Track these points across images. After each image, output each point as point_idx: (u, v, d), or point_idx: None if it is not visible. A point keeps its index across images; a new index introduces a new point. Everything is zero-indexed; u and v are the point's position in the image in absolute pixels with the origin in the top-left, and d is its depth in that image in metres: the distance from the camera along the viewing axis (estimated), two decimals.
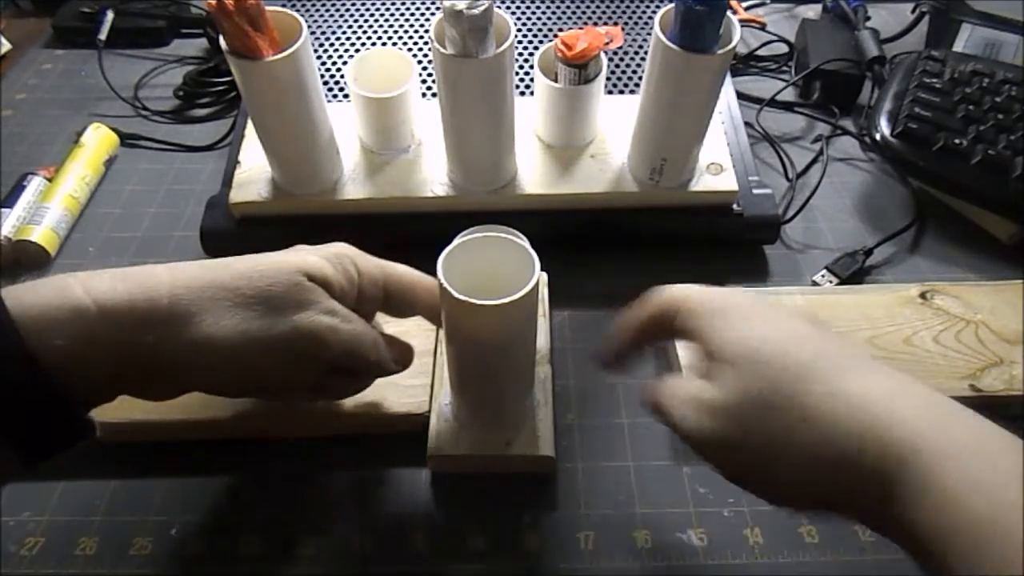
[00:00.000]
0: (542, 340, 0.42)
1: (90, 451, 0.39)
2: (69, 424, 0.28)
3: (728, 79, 0.57)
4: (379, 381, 0.40)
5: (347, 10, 0.61)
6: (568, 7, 0.61)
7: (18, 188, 0.52)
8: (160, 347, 0.28)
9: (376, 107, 0.46)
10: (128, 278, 0.29)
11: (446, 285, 0.29)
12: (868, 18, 0.66)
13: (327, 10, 0.60)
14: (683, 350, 0.41)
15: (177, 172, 0.57)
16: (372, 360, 0.34)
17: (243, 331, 0.29)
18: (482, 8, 0.35)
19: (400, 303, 0.36)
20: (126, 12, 0.69)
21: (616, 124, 0.50)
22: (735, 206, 0.48)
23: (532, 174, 0.48)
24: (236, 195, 0.47)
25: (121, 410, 0.39)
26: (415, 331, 0.43)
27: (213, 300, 0.29)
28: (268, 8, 0.38)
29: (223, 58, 0.45)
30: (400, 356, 0.37)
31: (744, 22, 0.68)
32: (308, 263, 0.32)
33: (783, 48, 0.67)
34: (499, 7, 0.43)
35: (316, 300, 0.31)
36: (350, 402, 0.39)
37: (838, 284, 0.47)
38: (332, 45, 0.58)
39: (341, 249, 0.34)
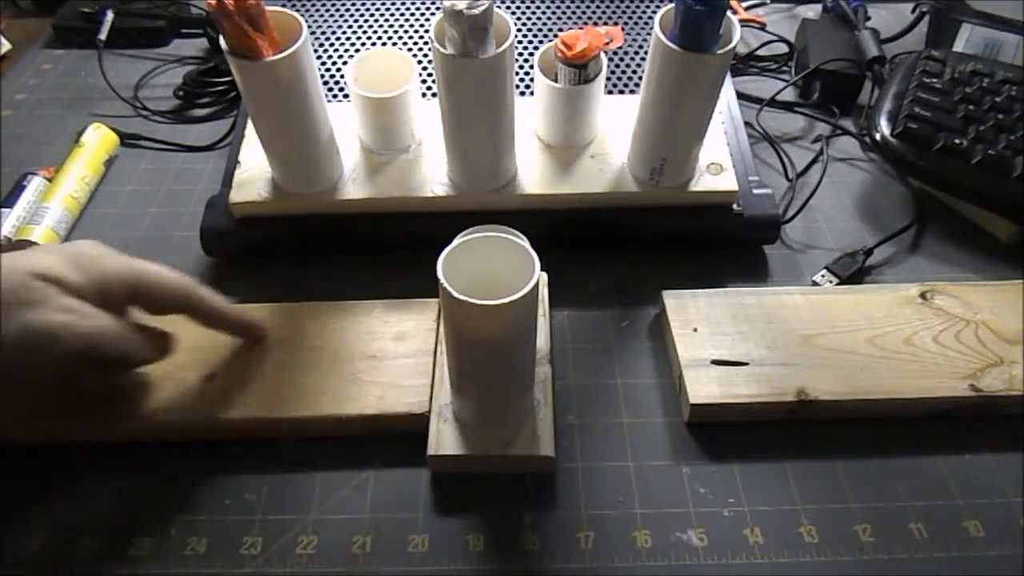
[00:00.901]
0: (542, 340, 0.42)
1: (91, 451, 0.39)
2: None
3: (728, 79, 0.57)
4: (379, 381, 0.40)
5: (347, 10, 0.61)
6: (568, 7, 0.61)
7: (18, 188, 0.52)
8: None
9: (376, 107, 0.46)
10: None
11: (446, 285, 0.29)
12: (868, 18, 0.66)
13: (327, 10, 0.60)
14: (683, 350, 0.41)
15: (177, 172, 0.57)
16: (120, 352, 0.35)
17: None
18: (482, 8, 0.35)
19: (150, 301, 0.37)
20: (126, 12, 0.69)
21: (616, 124, 0.50)
22: (735, 206, 0.48)
23: (532, 174, 0.48)
24: (236, 195, 0.47)
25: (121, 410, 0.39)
26: (415, 331, 0.43)
27: None
28: (268, 8, 0.38)
29: (223, 58, 0.45)
30: (159, 344, 0.38)
31: (744, 22, 0.68)
32: (39, 263, 0.33)
33: (783, 48, 0.67)
34: (499, 7, 0.43)
35: (47, 298, 0.32)
36: (350, 402, 0.39)
37: (838, 284, 0.47)
38: (332, 45, 0.58)
39: (81, 248, 0.36)
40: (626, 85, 0.56)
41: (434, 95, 0.50)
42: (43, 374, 0.34)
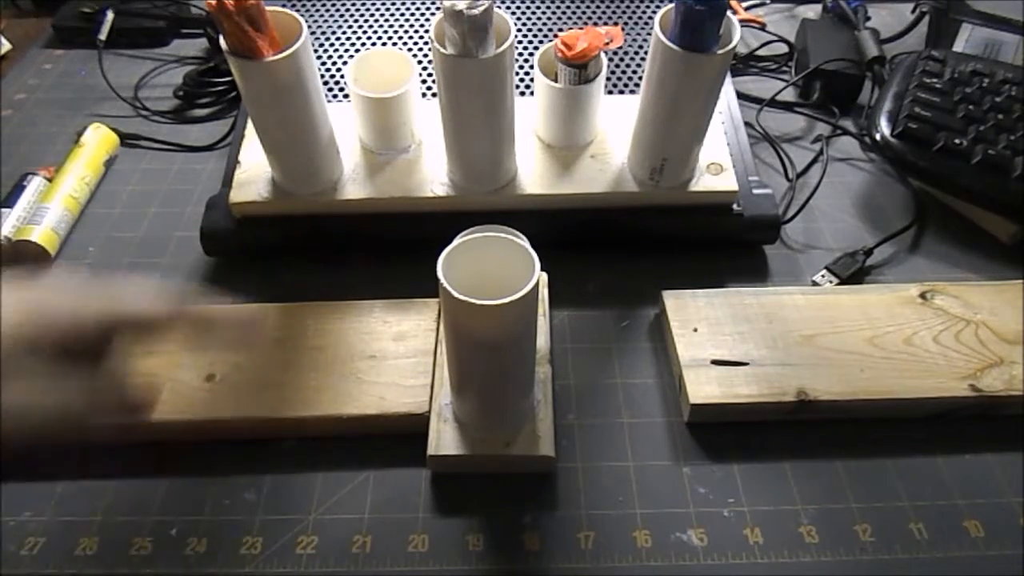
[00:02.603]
0: (542, 340, 0.42)
1: (90, 451, 0.39)
2: None
3: (728, 79, 0.57)
4: (379, 381, 0.40)
5: (347, 10, 0.61)
6: (568, 7, 0.61)
7: (18, 188, 0.52)
8: None
9: (376, 107, 0.46)
10: None
11: (446, 285, 0.29)
12: (868, 18, 0.66)
13: (327, 10, 0.60)
14: (683, 350, 0.41)
15: (177, 172, 0.57)
16: (92, 422, 0.30)
17: None
18: (482, 8, 0.35)
19: (133, 335, 0.32)
20: (126, 12, 0.69)
21: (616, 124, 0.50)
22: (735, 206, 0.48)
23: (532, 174, 0.48)
24: (236, 195, 0.47)
25: None
26: (415, 331, 0.43)
27: None
28: (268, 8, 0.38)
29: (223, 58, 0.45)
30: (139, 401, 0.33)
31: (744, 22, 0.68)
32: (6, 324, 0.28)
33: (783, 48, 0.67)
34: (499, 7, 0.43)
35: (9, 371, 0.27)
36: (350, 402, 0.39)
37: (838, 284, 0.47)
38: (332, 45, 0.58)
39: (45, 292, 0.30)
40: (626, 85, 0.56)
41: (434, 95, 0.50)
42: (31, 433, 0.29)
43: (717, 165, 0.48)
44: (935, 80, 0.53)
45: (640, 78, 0.52)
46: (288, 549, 0.36)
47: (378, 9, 0.61)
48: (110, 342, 0.32)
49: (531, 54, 0.57)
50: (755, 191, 0.49)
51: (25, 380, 0.28)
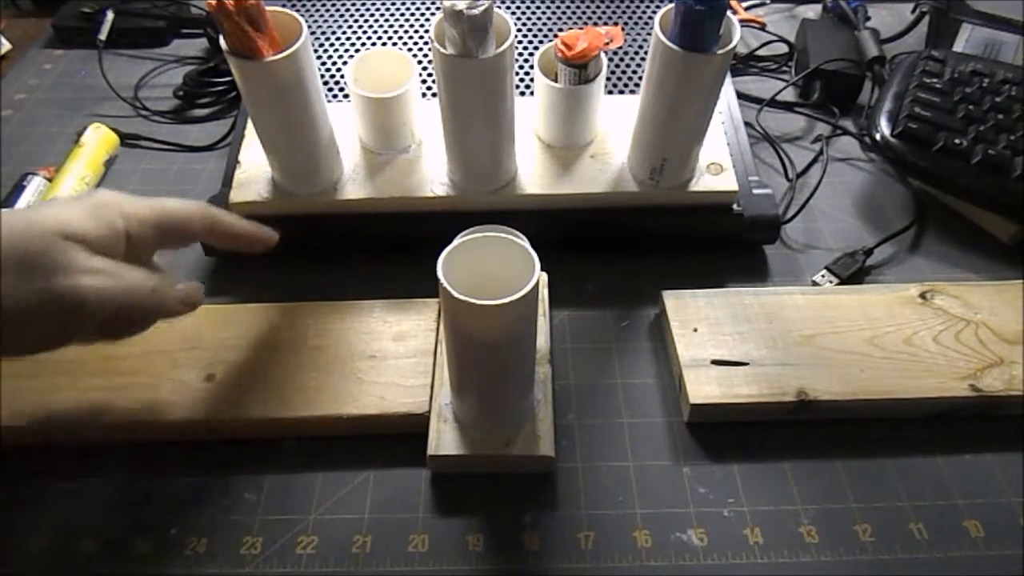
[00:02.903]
0: (542, 340, 0.42)
1: (91, 451, 0.39)
2: None
3: (728, 79, 0.57)
4: (379, 381, 0.40)
5: (347, 10, 0.61)
6: (568, 7, 0.61)
7: (18, 188, 0.52)
8: None
9: (376, 107, 0.46)
10: None
11: (446, 285, 0.29)
12: (868, 18, 0.66)
13: (327, 10, 0.60)
14: (683, 350, 0.41)
15: (177, 172, 0.57)
16: (151, 308, 0.34)
17: (7, 303, 0.29)
18: (482, 8, 0.35)
19: (175, 236, 0.36)
20: (126, 12, 0.69)
21: (616, 124, 0.50)
22: (735, 206, 0.48)
23: (532, 174, 0.48)
24: (236, 195, 0.47)
25: (121, 409, 0.39)
26: (415, 331, 0.43)
27: None
28: (268, 8, 0.38)
29: (223, 58, 0.45)
30: (187, 296, 0.36)
31: (744, 22, 0.68)
32: (62, 221, 0.31)
33: (783, 48, 0.67)
34: (499, 7, 0.43)
35: (74, 261, 0.30)
36: (350, 402, 0.39)
37: (838, 284, 0.47)
38: (332, 45, 0.58)
39: (101, 197, 0.33)
40: (626, 85, 0.56)
41: (434, 95, 0.50)
42: (78, 334, 0.32)
43: (717, 165, 0.48)
44: (935, 80, 0.53)
45: (640, 78, 0.52)
46: (288, 549, 0.36)
47: (378, 9, 0.61)
48: (151, 254, 0.36)
49: (531, 54, 0.57)
50: (755, 191, 0.49)
51: (88, 273, 0.30)
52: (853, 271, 0.47)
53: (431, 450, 0.38)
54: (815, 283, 0.47)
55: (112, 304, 0.31)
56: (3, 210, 0.31)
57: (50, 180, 0.53)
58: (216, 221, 0.38)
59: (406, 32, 0.59)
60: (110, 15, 0.68)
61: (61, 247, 0.30)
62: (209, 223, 0.37)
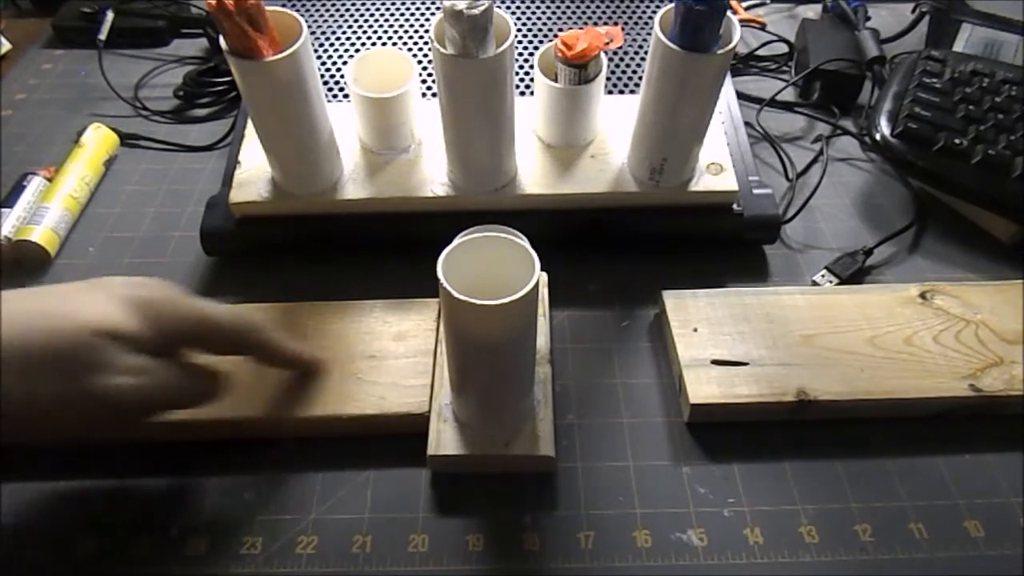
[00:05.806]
0: (542, 340, 0.42)
1: (90, 451, 0.39)
2: None
3: (728, 79, 0.57)
4: (379, 381, 0.40)
5: (347, 10, 0.61)
6: (568, 7, 0.61)
7: (18, 188, 0.52)
8: None
9: (376, 107, 0.46)
10: None
11: (446, 285, 0.29)
12: (868, 18, 0.66)
13: (327, 10, 0.60)
14: (683, 350, 0.41)
15: (177, 172, 0.57)
16: (176, 406, 0.34)
17: (31, 399, 0.29)
18: (482, 8, 0.35)
19: (210, 345, 0.36)
20: (126, 12, 0.69)
21: (616, 124, 0.50)
22: (735, 206, 0.48)
23: (532, 174, 0.48)
24: (236, 195, 0.47)
25: None
26: (415, 331, 0.43)
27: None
28: (268, 8, 0.38)
29: (223, 58, 0.45)
30: (211, 387, 0.36)
31: (744, 22, 0.68)
32: (97, 317, 0.30)
33: (783, 48, 0.67)
34: (499, 7, 0.43)
35: (110, 361, 0.30)
36: (350, 402, 0.39)
37: (838, 284, 0.47)
38: (332, 45, 0.58)
39: (148, 291, 0.33)
40: (626, 85, 0.56)
41: (434, 95, 0.50)
42: (107, 428, 0.33)
43: (717, 165, 0.48)
44: (935, 80, 0.53)
45: (640, 78, 0.52)
46: (288, 549, 0.36)
47: (378, 9, 0.61)
48: (182, 350, 0.35)
49: (531, 54, 0.57)
50: (755, 191, 0.49)
51: (124, 373, 0.31)
52: (853, 271, 0.47)
53: (431, 450, 0.38)
54: (815, 283, 0.47)
55: (140, 402, 0.31)
56: (41, 295, 0.31)
57: (50, 180, 0.53)
58: (256, 346, 0.37)
59: (406, 32, 0.59)
60: (110, 15, 0.68)
61: (97, 345, 0.30)
62: (245, 345, 0.36)
